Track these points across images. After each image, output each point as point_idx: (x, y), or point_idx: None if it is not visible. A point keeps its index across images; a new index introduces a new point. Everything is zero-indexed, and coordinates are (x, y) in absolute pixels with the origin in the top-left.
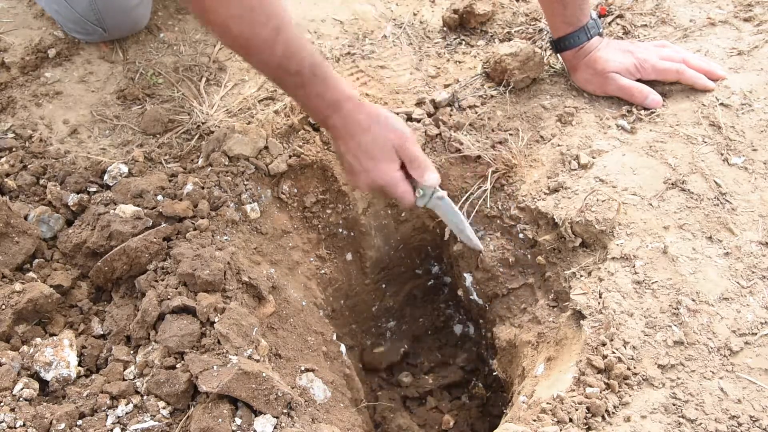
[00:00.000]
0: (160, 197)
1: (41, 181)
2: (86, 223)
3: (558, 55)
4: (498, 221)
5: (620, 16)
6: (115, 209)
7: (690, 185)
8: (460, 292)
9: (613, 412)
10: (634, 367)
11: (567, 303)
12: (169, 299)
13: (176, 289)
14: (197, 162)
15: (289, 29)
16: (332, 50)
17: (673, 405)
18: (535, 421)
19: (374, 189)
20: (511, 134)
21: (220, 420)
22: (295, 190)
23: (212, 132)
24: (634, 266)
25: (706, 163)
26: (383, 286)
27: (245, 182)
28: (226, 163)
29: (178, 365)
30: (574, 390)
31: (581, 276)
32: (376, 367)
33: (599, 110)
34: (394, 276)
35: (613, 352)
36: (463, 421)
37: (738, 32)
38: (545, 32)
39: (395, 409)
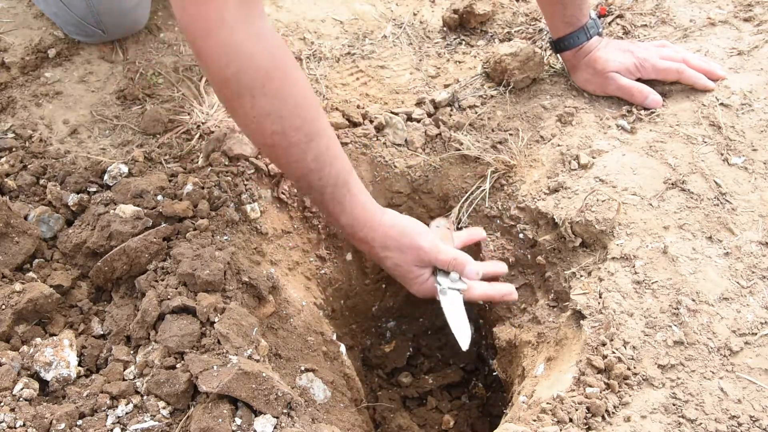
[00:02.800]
0: (160, 197)
1: (41, 181)
2: (86, 223)
3: (558, 55)
4: (498, 221)
5: (620, 16)
6: (115, 209)
7: (690, 185)
8: None
9: (613, 412)
10: (634, 367)
11: (567, 303)
12: (169, 299)
13: (176, 289)
14: (197, 162)
15: (320, 138)
16: (332, 50)
17: (673, 405)
18: (535, 421)
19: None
20: (511, 134)
21: (220, 420)
22: (295, 190)
23: (212, 132)
24: (634, 266)
25: (706, 163)
26: (383, 286)
27: (245, 182)
28: (226, 163)
29: (178, 365)
30: (574, 390)
31: (581, 276)
32: (381, 365)
33: (599, 110)
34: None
35: (613, 352)
36: (463, 421)
37: (738, 32)
38: (545, 32)
39: (395, 409)
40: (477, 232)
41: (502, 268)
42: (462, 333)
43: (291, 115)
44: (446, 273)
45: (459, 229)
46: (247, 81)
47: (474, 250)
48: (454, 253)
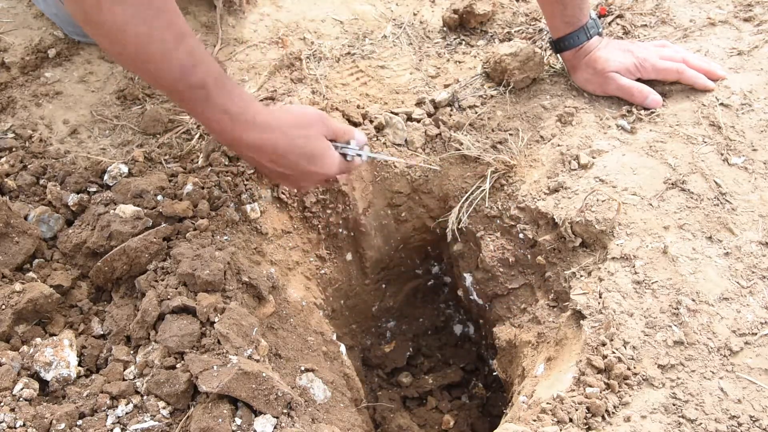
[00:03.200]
0: (160, 197)
1: (41, 181)
2: (86, 223)
3: (558, 55)
4: (498, 221)
5: (620, 16)
6: (115, 209)
7: (690, 185)
8: (460, 292)
9: (613, 412)
10: (634, 367)
11: (567, 303)
12: (169, 299)
13: (176, 289)
14: (197, 162)
15: (192, 37)
16: (332, 50)
17: (673, 405)
18: (535, 421)
19: (324, 184)
20: (511, 134)
21: (220, 420)
22: (295, 190)
23: None
24: (634, 266)
25: (706, 163)
26: (383, 286)
27: (245, 182)
28: (226, 163)
29: (178, 365)
30: (574, 390)
31: (581, 276)
32: (381, 365)
33: (599, 110)
34: (394, 276)
35: (613, 352)
36: (463, 421)
37: (738, 32)
38: (545, 32)
39: (395, 409)
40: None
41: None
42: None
43: (156, 17)
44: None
45: (460, 229)
46: None
47: (474, 249)
48: (340, 123)
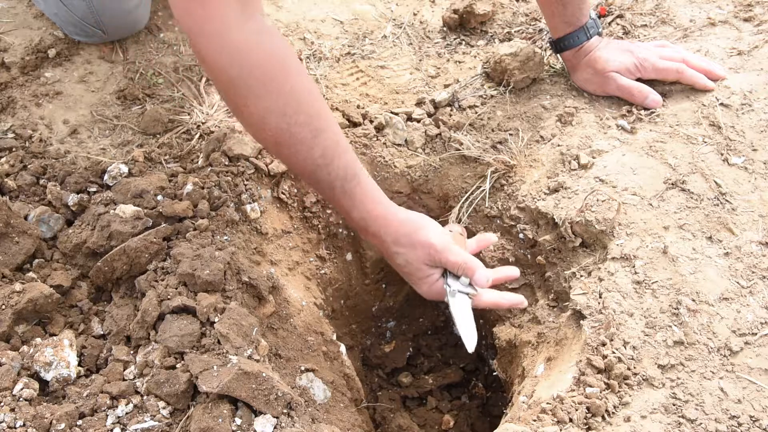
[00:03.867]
0: (160, 197)
1: (41, 181)
2: (86, 223)
3: (558, 55)
4: (498, 221)
5: (620, 16)
6: (115, 209)
7: (690, 185)
8: None
9: (613, 412)
10: (634, 367)
11: (567, 303)
12: (169, 299)
13: (176, 289)
14: (197, 162)
15: (326, 134)
16: (332, 50)
17: (673, 405)
18: (535, 421)
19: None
20: (511, 134)
21: (220, 420)
22: (295, 190)
23: (212, 132)
24: (634, 266)
25: (706, 163)
26: (383, 286)
27: (245, 182)
28: (226, 163)
29: (178, 365)
30: (574, 390)
31: (581, 276)
32: (381, 365)
33: (599, 110)
34: (394, 276)
35: (613, 352)
36: (463, 421)
37: (738, 32)
38: (545, 32)
39: (395, 409)
40: (487, 238)
41: (514, 272)
42: (469, 337)
43: (296, 112)
44: (456, 276)
45: None
46: (250, 80)
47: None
48: (464, 257)
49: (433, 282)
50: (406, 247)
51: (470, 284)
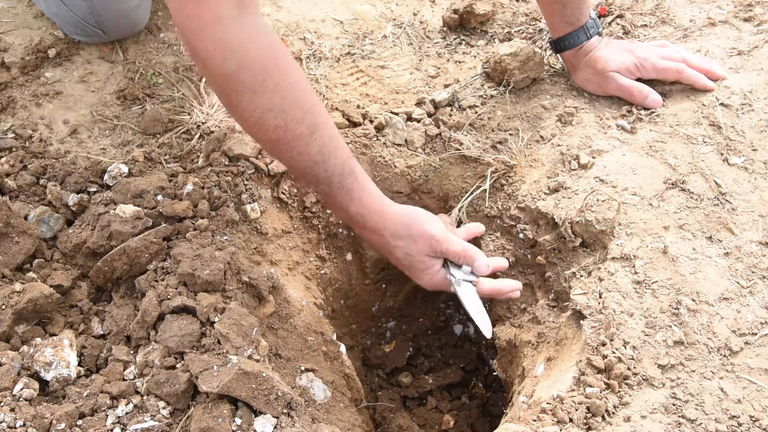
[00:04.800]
0: (160, 197)
1: (41, 181)
2: (86, 223)
3: (558, 55)
4: (498, 221)
5: (620, 16)
6: (115, 209)
7: (690, 185)
8: None
9: (613, 412)
10: (634, 367)
11: (567, 303)
12: (169, 299)
13: (176, 289)
14: (197, 162)
15: (323, 129)
16: (332, 50)
17: (673, 405)
18: (535, 421)
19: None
20: (511, 134)
21: (220, 420)
22: (295, 190)
23: (212, 132)
24: (634, 266)
25: (706, 163)
26: (383, 286)
27: (245, 182)
28: (226, 163)
29: (178, 365)
30: (574, 390)
31: (581, 276)
32: (381, 365)
33: (599, 110)
34: (394, 276)
35: (613, 352)
36: (463, 421)
37: (738, 32)
38: (545, 32)
39: (395, 409)
40: (476, 228)
41: (503, 263)
42: (485, 323)
43: (292, 109)
44: (457, 265)
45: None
46: (246, 77)
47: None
48: (464, 245)
49: (435, 273)
50: (405, 240)
51: (471, 272)
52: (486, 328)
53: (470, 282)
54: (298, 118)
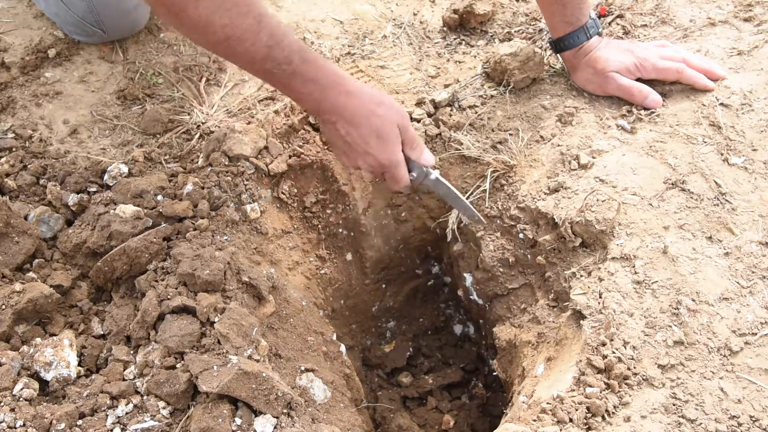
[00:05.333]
0: (160, 197)
1: (41, 181)
2: (86, 223)
3: (558, 55)
4: (498, 221)
5: (620, 16)
6: (115, 209)
7: (690, 185)
8: (460, 292)
9: (613, 412)
10: (634, 367)
11: (567, 303)
12: (169, 299)
13: (176, 289)
14: (197, 162)
15: (269, 17)
16: (332, 50)
17: (673, 405)
18: (535, 421)
19: (374, 170)
20: (511, 134)
21: (220, 420)
22: (295, 190)
23: (212, 132)
24: (634, 266)
25: (706, 163)
26: (383, 286)
27: (245, 182)
28: (226, 163)
29: (178, 365)
30: (574, 390)
31: (581, 276)
32: (381, 365)
33: (599, 110)
34: (394, 276)
35: (613, 352)
36: (463, 421)
37: (738, 32)
38: (545, 32)
39: (395, 409)
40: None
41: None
42: (470, 207)
43: (235, 4)
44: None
45: (459, 229)
46: None
47: (474, 249)
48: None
49: (400, 150)
50: (387, 108)
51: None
52: (476, 213)
53: (435, 176)
54: (244, 12)
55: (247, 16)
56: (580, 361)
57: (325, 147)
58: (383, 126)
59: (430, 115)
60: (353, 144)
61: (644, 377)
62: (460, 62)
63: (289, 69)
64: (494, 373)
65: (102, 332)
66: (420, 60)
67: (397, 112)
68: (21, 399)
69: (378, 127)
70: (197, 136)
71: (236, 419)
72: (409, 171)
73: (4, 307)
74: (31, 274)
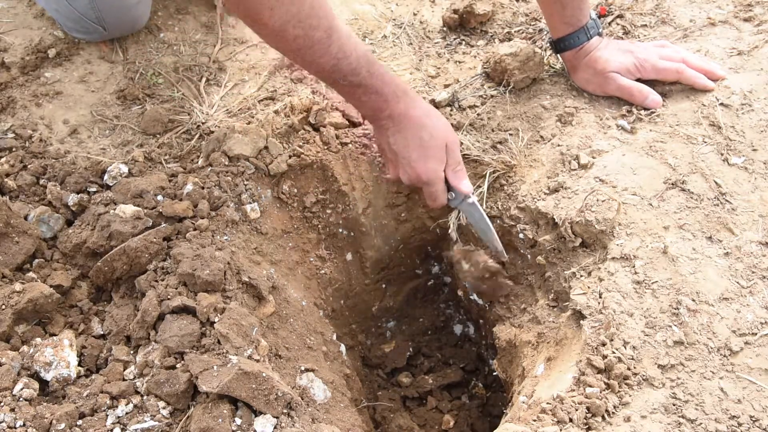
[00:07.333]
0: (160, 197)
1: (41, 181)
2: (86, 223)
3: (558, 55)
4: (498, 221)
5: (620, 16)
6: (115, 209)
7: (690, 185)
8: (460, 292)
9: (613, 412)
10: (634, 367)
11: (567, 303)
12: (169, 299)
13: (176, 289)
14: (197, 162)
15: (340, 30)
16: None
17: (673, 405)
18: (535, 421)
19: (414, 183)
20: (511, 134)
21: (220, 420)
22: (295, 190)
23: (212, 132)
24: (634, 266)
25: (706, 163)
26: (383, 286)
27: (245, 182)
28: (226, 163)
29: (178, 365)
30: (574, 390)
31: (581, 276)
32: (381, 365)
33: (599, 110)
34: (394, 276)
35: (613, 352)
36: (463, 421)
37: (738, 32)
38: (545, 32)
39: (395, 409)
40: None
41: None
42: (498, 240)
43: (308, 17)
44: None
45: (460, 229)
46: None
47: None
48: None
49: (442, 169)
50: (438, 126)
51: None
52: (501, 246)
53: (473, 202)
54: (315, 25)
55: (318, 29)
56: (580, 361)
57: (325, 147)
58: (430, 141)
59: None
60: (398, 153)
61: (644, 377)
62: (460, 62)
63: (355, 80)
64: (494, 373)
65: (102, 332)
66: (420, 60)
67: (448, 132)
68: (21, 399)
69: (425, 141)
70: (197, 136)
71: (236, 419)
72: (449, 190)
73: (4, 307)
74: (31, 274)
